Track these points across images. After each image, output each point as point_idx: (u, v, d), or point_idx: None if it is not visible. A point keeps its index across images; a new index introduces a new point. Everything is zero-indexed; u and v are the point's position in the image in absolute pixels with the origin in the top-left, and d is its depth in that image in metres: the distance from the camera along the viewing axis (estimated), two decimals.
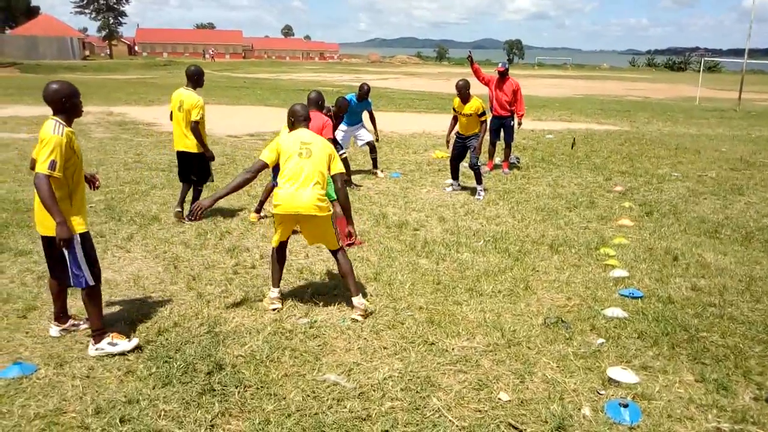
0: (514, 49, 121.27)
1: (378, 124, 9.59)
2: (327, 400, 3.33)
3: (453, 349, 3.94)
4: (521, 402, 3.36)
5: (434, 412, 3.26)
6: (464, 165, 8.85)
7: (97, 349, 3.78)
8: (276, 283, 4.60)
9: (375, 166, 9.55)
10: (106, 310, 4.41)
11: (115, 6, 78.00)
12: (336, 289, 4.93)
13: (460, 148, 8.38)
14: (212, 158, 6.75)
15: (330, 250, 4.63)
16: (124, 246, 5.85)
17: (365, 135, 9.37)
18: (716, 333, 4.23)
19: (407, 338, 4.08)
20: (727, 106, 25.37)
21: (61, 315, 4.07)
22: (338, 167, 4.49)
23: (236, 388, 3.40)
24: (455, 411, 3.27)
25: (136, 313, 4.38)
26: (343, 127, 9.20)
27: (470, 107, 8.02)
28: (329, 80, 37.87)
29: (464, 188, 8.79)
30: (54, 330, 4.05)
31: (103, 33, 78.23)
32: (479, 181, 8.23)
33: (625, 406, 3.27)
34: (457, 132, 8.40)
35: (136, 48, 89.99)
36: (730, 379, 3.64)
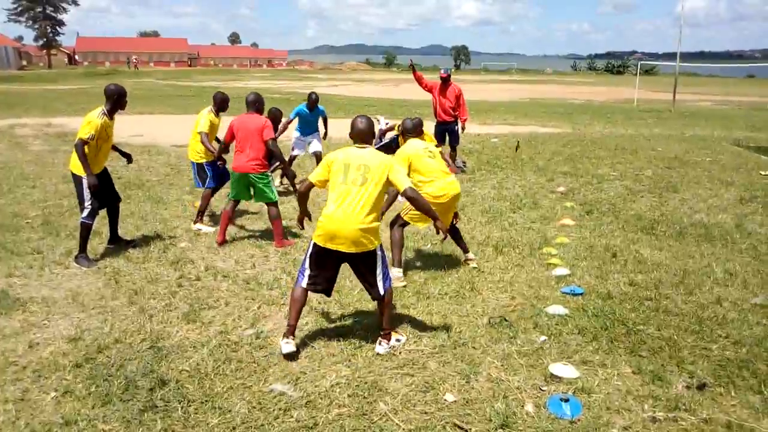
0: (461, 54, 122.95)
1: (329, 131, 9.74)
2: (273, 410, 3.30)
3: (400, 352, 3.98)
4: (466, 402, 3.42)
5: (381, 416, 3.27)
6: None
7: (390, 347, 3.99)
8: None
9: None
10: (41, 335, 4.26)
11: (53, 14, 75.04)
12: (284, 297, 4.90)
13: None
14: (90, 186, 5.55)
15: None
16: (62, 262, 5.65)
17: (316, 145, 9.37)
18: (652, 326, 4.41)
19: (355, 344, 4.08)
20: (663, 107, 26.50)
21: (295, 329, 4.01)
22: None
23: (180, 403, 3.34)
24: (402, 414, 3.30)
25: (75, 330, 4.24)
26: (297, 135, 9.31)
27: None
28: (277, 87, 37.57)
29: None
30: (290, 346, 3.89)
31: (41, 42, 75.18)
32: None
33: (566, 400, 3.37)
34: None
35: (77, 57, 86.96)
36: (665, 369, 3.80)
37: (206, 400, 3.38)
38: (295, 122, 9.27)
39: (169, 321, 4.44)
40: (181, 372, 3.69)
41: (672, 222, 7.29)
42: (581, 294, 5.01)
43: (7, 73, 48.93)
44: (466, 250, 5.74)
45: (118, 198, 6.16)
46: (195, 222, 6.86)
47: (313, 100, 9.01)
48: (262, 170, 6.12)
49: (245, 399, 3.41)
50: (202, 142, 6.72)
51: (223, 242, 6.26)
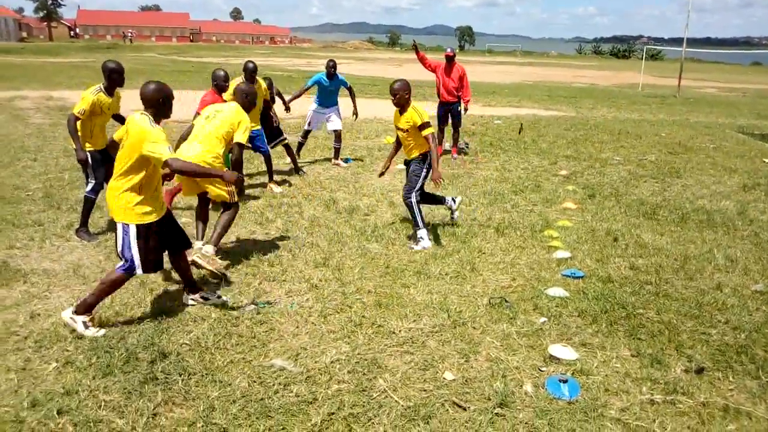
0: (465, 35, 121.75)
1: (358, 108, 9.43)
2: (273, 385, 3.32)
3: (400, 330, 3.99)
4: (465, 381, 3.44)
5: (380, 393, 3.29)
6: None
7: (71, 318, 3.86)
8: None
9: (336, 156, 9.19)
10: (41, 306, 4.27)
11: None
12: (285, 273, 4.90)
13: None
14: (79, 160, 5.56)
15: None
16: (63, 234, 5.65)
17: (336, 122, 8.99)
18: (652, 310, 4.42)
19: (355, 321, 4.10)
20: (668, 93, 26.32)
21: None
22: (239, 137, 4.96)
23: (180, 376, 3.35)
24: (401, 391, 3.31)
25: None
26: (314, 107, 8.99)
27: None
28: (280, 65, 37.26)
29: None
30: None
31: (41, 14, 74.47)
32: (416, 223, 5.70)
33: (565, 381, 3.39)
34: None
35: (78, 30, 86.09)
36: (664, 353, 3.81)
37: (206, 374, 3.40)
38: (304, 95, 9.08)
39: (169, 295, 4.45)
40: (181, 345, 3.70)
41: (674, 207, 7.27)
42: (582, 277, 5.02)
43: (7, 45, 48.44)
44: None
45: None
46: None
47: (330, 67, 8.68)
48: None
49: (245, 373, 3.42)
50: None
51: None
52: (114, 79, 5.58)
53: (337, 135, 9.09)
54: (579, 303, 4.48)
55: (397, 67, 41.15)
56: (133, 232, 3.82)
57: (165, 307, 4.23)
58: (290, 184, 7.93)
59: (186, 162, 3.79)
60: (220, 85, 6.77)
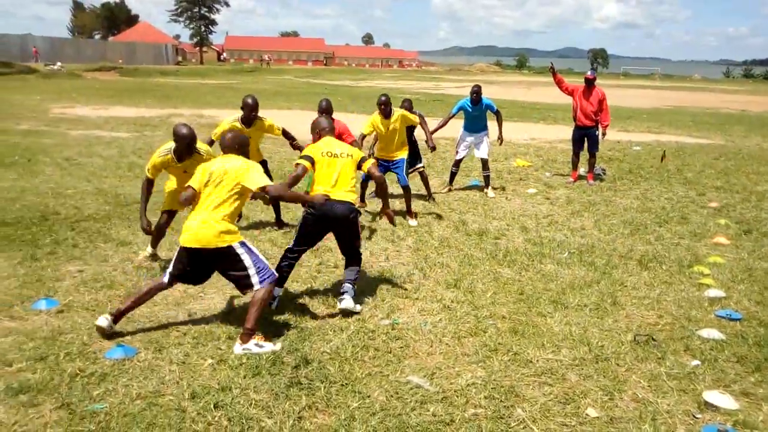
0: (599, 58, 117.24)
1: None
2: (410, 401, 3.35)
3: (537, 360, 3.87)
4: (610, 419, 3.25)
5: (519, 422, 3.20)
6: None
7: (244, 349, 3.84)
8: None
9: (487, 184, 8.88)
10: (198, 306, 4.64)
11: (207, 15, 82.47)
12: (417, 292, 4.96)
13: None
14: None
15: None
16: None
17: (483, 150, 8.72)
18: None
19: (490, 347, 4.03)
20: None
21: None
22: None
23: (322, 383, 3.49)
24: (540, 423, 3.20)
25: (226, 305, 4.58)
26: (462, 133, 8.88)
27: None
28: (408, 87, 38.06)
29: (547, 198, 8.62)
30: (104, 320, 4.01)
31: (195, 40, 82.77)
32: None
33: None
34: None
35: (224, 54, 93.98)
36: None
37: (346, 383, 3.51)
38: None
39: (310, 304, 4.66)
40: (322, 353, 3.86)
41: None
42: (739, 319, 4.58)
43: (166, 68, 53.93)
44: None
45: None
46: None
47: (474, 93, 8.41)
48: None
49: (383, 387, 3.49)
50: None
51: None
52: (246, 111, 6.18)
53: (484, 163, 8.80)
54: (737, 348, 4.09)
55: (526, 90, 40.44)
56: (247, 244, 4.07)
57: (306, 315, 4.44)
58: (426, 205, 8.03)
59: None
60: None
